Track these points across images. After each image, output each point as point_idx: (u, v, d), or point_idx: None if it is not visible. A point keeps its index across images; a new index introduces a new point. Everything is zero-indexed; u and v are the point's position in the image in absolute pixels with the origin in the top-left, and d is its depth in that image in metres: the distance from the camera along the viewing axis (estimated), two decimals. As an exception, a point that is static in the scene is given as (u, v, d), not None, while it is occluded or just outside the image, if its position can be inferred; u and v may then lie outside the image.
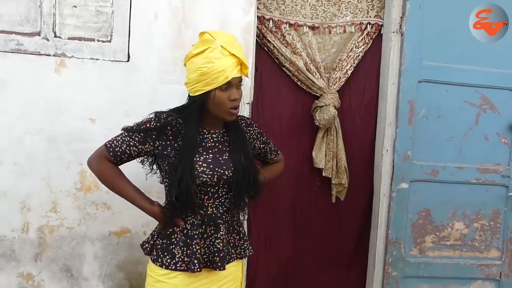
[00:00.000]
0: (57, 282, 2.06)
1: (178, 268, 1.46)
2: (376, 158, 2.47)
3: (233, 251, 1.56)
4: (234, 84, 1.45)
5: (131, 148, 1.47)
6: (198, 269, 1.45)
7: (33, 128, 1.97)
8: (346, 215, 2.55)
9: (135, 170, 1.57)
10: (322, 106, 2.34)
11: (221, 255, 1.48)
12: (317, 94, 2.39)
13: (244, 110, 2.13)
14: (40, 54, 1.96)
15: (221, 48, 1.40)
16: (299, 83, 2.40)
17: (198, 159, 1.45)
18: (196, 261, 1.45)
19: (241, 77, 1.47)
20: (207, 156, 1.47)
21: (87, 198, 2.04)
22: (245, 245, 1.60)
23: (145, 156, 1.52)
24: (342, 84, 2.40)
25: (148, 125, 1.46)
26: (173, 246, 1.48)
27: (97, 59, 2.00)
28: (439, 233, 2.40)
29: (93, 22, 2.00)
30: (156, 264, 1.48)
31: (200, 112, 1.48)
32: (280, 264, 2.51)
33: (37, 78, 1.96)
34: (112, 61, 2.01)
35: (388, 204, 2.36)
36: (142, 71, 2.03)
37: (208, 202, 1.49)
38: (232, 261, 1.56)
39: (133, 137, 1.47)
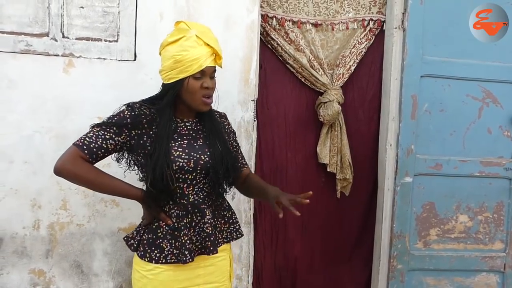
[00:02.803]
0: (67, 278, 2.09)
1: (168, 261, 1.45)
2: (380, 152, 2.49)
3: (219, 235, 1.55)
4: (208, 73, 1.46)
5: (108, 141, 1.41)
6: (190, 259, 1.45)
7: (42, 127, 2.01)
8: (351, 210, 2.57)
9: (113, 170, 1.52)
10: (326, 102, 2.36)
11: (212, 239, 1.48)
12: (321, 90, 2.42)
13: (249, 107, 2.17)
14: (49, 55, 1.99)
15: (196, 38, 1.41)
16: (303, 79, 2.43)
17: (173, 144, 1.45)
18: (187, 252, 1.44)
19: (214, 67, 1.48)
20: (182, 142, 1.47)
21: (96, 195, 2.07)
22: (231, 228, 1.60)
23: (120, 151, 1.48)
24: (345, 80, 2.42)
25: (122, 115, 1.44)
26: (161, 240, 1.47)
27: (104, 59, 2.03)
28: (443, 226, 2.42)
29: (100, 23, 2.03)
30: (145, 260, 1.46)
31: (173, 101, 1.48)
32: (287, 258, 2.54)
33: (46, 78, 1.99)
34: (119, 60, 2.04)
35: (392, 198, 2.38)
36: (149, 69, 2.06)
37: (188, 190, 1.49)
38: (219, 245, 1.54)
39: (108, 129, 1.42)
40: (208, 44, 1.42)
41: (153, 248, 1.47)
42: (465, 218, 2.43)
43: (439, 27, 2.32)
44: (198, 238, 1.49)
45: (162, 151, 1.41)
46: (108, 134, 1.42)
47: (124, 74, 2.05)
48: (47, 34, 1.99)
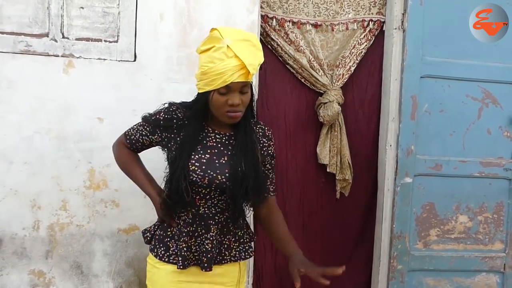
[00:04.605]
0: (67, 279, 2.09)
1: (171, 261, 1.46)
2: (379, 153, 2.50)
3: (226, 253, 1.50)
4: (235, 88, 1.33)
5: (143, 137, 1.50)
6: (181, 266, 1.42)
7: (42, 127, 2.00)
8: (351, 211, 2.57)
9: (156, 158, 1.60)
10: (326, 103, 2.36)
11: (209, 256, 1.43)
12: (320, 91, 2.42)
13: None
14: (49, 55, 1.99)
15: (227, 49, 1.29)
16: (303, 80, 2.43)
17: (193, 157, 1.39)
18: (180, 258, 1.43)
19: (246, 82, 1.34)
20: (203, 156, 1.40)
21: (96, 196, 2.07)
22: (240, 248, 1.53)
23: (158, 145, 1.52)
24: (345, 80, 2.42)
25: (158, 116, 1.46)
26: (168, 239, 1.48)
27: (104, 59, 2.03)
28: (443, 227, 2.42)
29: (100, 23, 2.03)
30: (152, 254, 1.51)
31: (205, 110, 1.41)
32: (287, 259, 2.52)
33: (46, 79, 1.99)
34: (119, 61, 2.04)
35: (392, 199, 2.38)
36: (149, 70, 2.06)
37: (199, 201, 1.44)
38: (225, 263, 1.49)
39: (145, 127, 1.49)
40: (238, 57, 1.28)
41: (161, 245, 1.49)
42: (465, 218, 2.44)
43: (439, 27, 2.32)
44: (198, 249, 1.46)
45: (181, 163, 1.38)
46: (145, 131, 1.49)
47: (124, 75, 2.05)
48: (47, 35, 1.99)
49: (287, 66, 2.42)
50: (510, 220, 2.46)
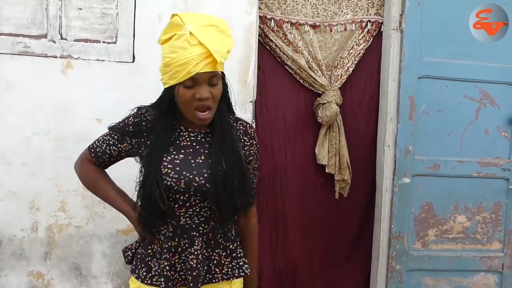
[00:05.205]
0: (66, 280, 2.09)
1: (154, 283, 1.30)
2: (378, 153, 2.50)
3: (217, 270, 1.33)
4: (202, 80, 1.20)
5: (111, 147, 1.35)
6: None
7: (41, 128, 2.00)
8: (350, 211, 2.58)
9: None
10: (324, 103, 2.37)
11: (194, 273, 1.27)
12: (319, 92, 2.42)
13: (248, 109, 2.17)
14: (47, 56, 1.99)
15: (189, 36, 1.16)
16: (301, 81, 2.44)
17: (165, 159, 1.25)
18: (163, 279, 1.27)
19: (214, 72, 1.21)
20: (176, 157, 1.26)
21: (94, 197, 1.99)
22: (233, 263, 1.35)
23: (129, 156, 1.37)
24: (343, 81, 2.43)
25: (126, 122, 1.32)
26: (150, 258, 1.32)
27: (102, 60, 2.03)
28: (441, 227, 2.43)
29: (99, 24, 2.03)
30: (133, 275, 1.35)
31: (173, 107, 1.27)
32: (286, 259, 2.54)
33: (44, 80, 1.99)
34: (117, 62, 2.05)
35: (390, 199, 2.39)
36: (147, 71, 2.06)
37: (179, 211, 1.28)
38: (217, 282, 1.33)
39: (113, 135, 1.34)
40: (203, 44, 1.15)
41: (142, 265, 1.33)
42: (463, 218, 2.44)
43: (436, 28, 2.33)
44: (183, 267, 1.30)
45: (152, 167, 1.24)
46: (112, 141, 1.35)
47: (122, 76, 2.05)
48: (45, 36, 1.99)
49: (286, 67, 2.42)
50: (508, 220, 2.46)
